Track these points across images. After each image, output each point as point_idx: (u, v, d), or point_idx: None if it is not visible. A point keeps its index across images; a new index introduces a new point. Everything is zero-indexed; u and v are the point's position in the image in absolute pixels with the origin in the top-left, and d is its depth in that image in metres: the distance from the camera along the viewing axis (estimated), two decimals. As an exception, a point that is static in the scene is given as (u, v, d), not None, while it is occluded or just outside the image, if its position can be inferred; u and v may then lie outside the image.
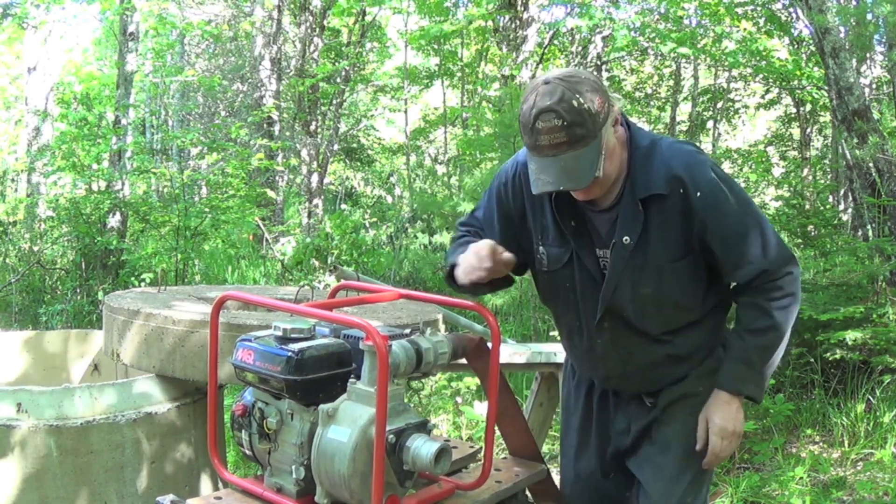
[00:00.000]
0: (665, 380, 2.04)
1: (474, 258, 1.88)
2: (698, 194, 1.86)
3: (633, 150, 1.92)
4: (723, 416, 1.95)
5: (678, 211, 1.88)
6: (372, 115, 16.72)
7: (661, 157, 1.90)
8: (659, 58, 12.91)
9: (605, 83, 13.69)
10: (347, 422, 1.52)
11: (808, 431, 4.64)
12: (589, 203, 1.96)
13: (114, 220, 8.40)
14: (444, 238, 8.21)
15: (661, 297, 1.93)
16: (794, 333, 2.19)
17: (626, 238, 1.89)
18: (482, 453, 1.82)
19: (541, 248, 2.03)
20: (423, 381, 4.24)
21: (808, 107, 12.18)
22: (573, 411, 2.23)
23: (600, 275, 1.95)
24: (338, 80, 12.79)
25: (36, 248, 8.73)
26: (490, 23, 11.60)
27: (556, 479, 2.31)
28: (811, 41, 7.46)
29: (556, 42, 12.75)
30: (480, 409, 4.23)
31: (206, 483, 2.90)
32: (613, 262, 1.92)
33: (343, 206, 13.48)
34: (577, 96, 1.76)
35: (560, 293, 2.05)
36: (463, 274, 1.91)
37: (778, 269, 1.91)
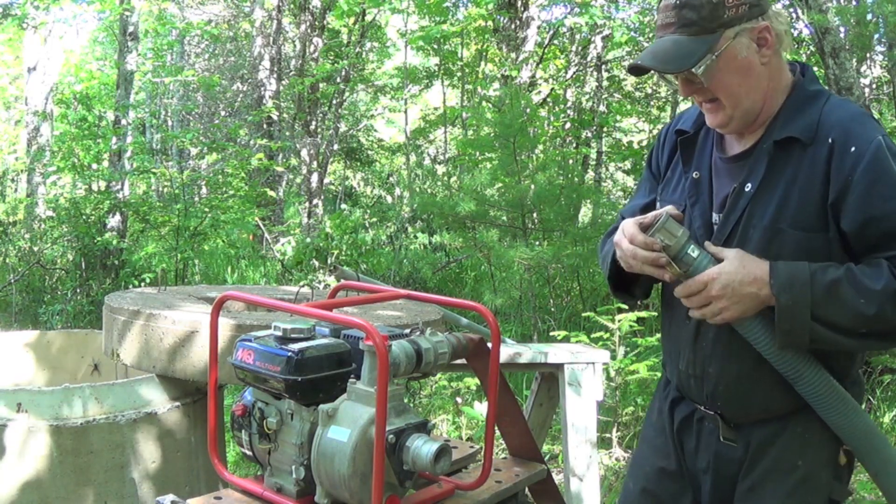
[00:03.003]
0: (763, 400, 1.64)
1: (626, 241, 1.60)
2: (853, 149, 1.49)
3: (792, 94, 1.61)
4: (737, 272, 1.51)
5: (821, 169, 1.52)
6: (372, 115, 16.73)
7: (819, 106, 1.58)
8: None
9: (606, 82, 13.32)
10: (347, 422, 1.52)
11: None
12: (721, 148, 1.69)
13: (114, 220, 8.40)
14: (444, 238, 8.20)
15: None
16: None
17: (748, 186, 1.59)
18: (482, 453, 1.82)
19: (658, 203, 1.76)
20: (422, 381, 4.24)
21: (808, 107, 12.18)
22: (659, 431, 1.88)
23: (708, 239, 1.63)
24: (338, 80, 12.80)
25: (36, 248, 8.73)
26: (490, 23, 11.61)
27: (557, 478, 2.30)
28: (811, 41, 7.46)
29: (555, 42, 12.76)
30: (480, 408, 4.23)
31: (206, 483, 2.90)
32: (727, 212, 1.61)
33: (343, 206, 13.48)
34: None
35: None
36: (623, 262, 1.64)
37: None
